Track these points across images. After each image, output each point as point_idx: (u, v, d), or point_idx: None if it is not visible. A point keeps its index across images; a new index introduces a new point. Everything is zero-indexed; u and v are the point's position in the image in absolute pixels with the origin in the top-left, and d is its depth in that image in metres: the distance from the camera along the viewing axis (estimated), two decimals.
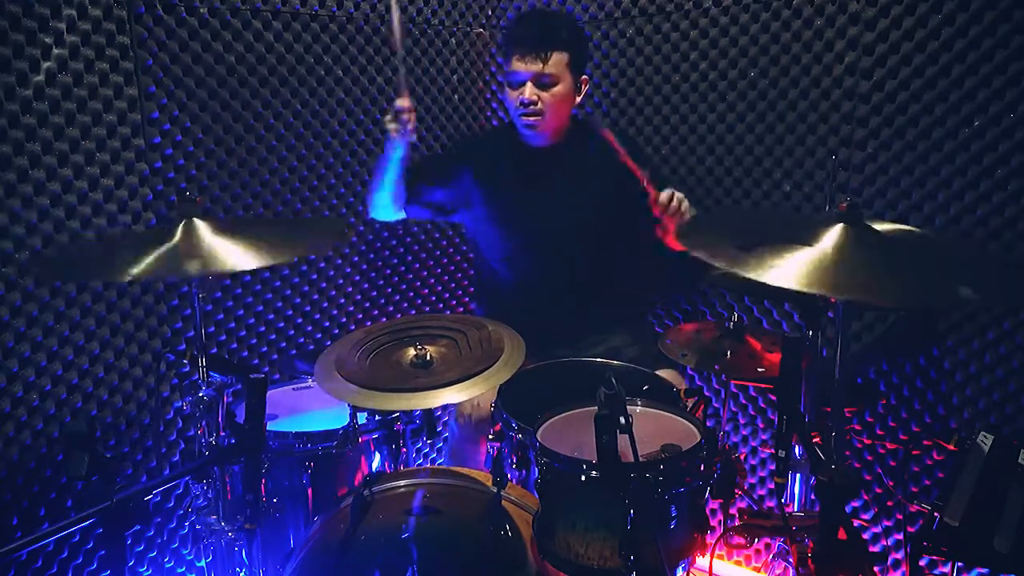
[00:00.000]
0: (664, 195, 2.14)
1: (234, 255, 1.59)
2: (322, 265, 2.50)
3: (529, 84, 2.21)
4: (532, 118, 2.24)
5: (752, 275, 1.42)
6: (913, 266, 1.57)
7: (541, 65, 2.18)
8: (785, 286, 1.38)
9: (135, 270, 1.52)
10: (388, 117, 2.18)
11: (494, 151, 2.44)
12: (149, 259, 1.54)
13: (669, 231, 2.16)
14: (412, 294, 2.77)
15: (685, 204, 2.16)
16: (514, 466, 1.75)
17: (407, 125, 2.16)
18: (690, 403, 1.84)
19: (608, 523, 1.45)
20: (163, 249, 1.58)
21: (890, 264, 1.51)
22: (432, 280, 2.82)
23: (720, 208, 2.52)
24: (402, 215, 2.42)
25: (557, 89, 2.22)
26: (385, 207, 2.38)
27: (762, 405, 2.57)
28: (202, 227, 1.64)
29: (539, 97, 2.21)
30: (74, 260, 1.84)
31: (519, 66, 2.20)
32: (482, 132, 2.84)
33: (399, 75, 2.15)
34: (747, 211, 2.47)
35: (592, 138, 2.41)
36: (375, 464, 1.97)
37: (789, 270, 1.40)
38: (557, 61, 2.20)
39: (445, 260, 2.84)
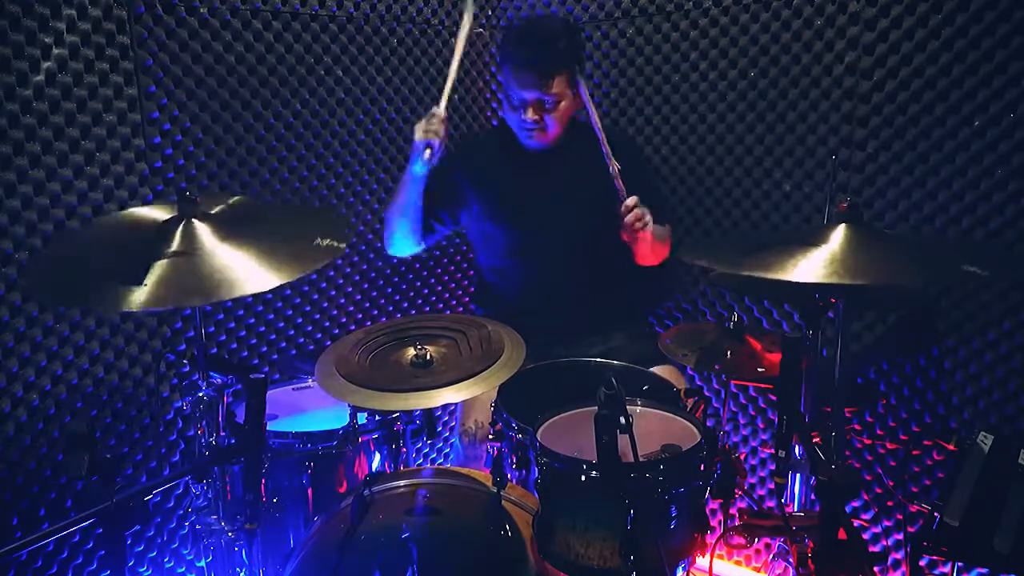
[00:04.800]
0: (631, 200, 2.14)
1: (243, 275, 1.49)
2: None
3: (531, 107, 2.20)
4: (535, 134, 2.25)
5: (762, 274, 1.43)
6: (918, 252, 1.63)
7: (544, 89, 2.17)
8: (798, 280, 1.40)
9: (136, 298, 1.42)
10: (422, 126, 2.13)
11: (491, 152, 2.44)
12: (152, 279, 1.44)
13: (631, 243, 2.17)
14: (412, 294, 2.77)
15: (646, 219, 2.15)
16: (514, 466, 1.75)
17: (440, 137, 2.13)
18: (690, 403, 1.84)
19: (608, 523, 1.45)
20: (164, 264, 1.49)
21: (896, 252, 1.56)
22: (432, 280, 2.82)
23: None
24: (421, 248, 2.43)
25: (561, 106, 2.22)
26: (404, 241, 2.38)
27: (762, 405, 2.57)
28: (203, 231, 1.57)
29: (542, 117, 2.22)
30: (71, 277, 1.63)
31: (520, 90, 2.19)
32: (480, 133, 2.83)
33: (448, 79, 2.14)
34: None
35: (589, 139, 2.41)
36: (375, 464, 1.96)
37: (798, 266, 1.42)
38: (559, 83, 2.18)
39: (445, 260, 2.84)
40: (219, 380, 1.62)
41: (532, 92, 2.18)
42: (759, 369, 2.00)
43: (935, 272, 1.61)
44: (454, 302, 2.90)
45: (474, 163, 2.44)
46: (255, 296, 2.37)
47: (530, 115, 2.20)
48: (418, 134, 2.15)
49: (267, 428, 1.60)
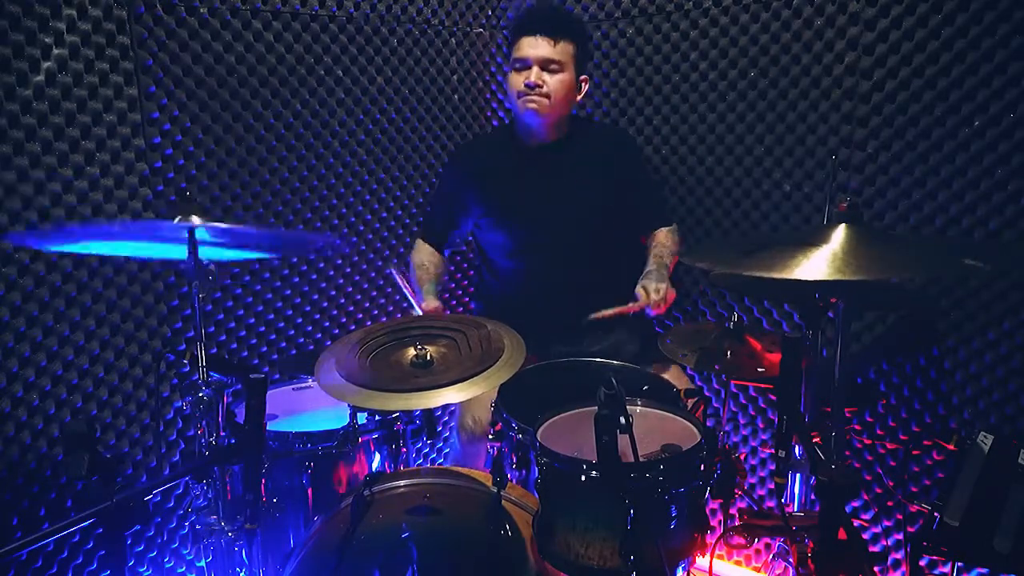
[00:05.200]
0: (643, 299, 2.15)
1: None
2: (321, 265, 2.50)
3: (535, 68, 2.24)
4: (536, 100, 2.25)
5: (763, 274, 1.43)
6: (917, 248, 1.63)
7: (551, 47, 2.23)
8: (800, 277, 1.39)
9: None
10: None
11: (491, 151, 2.44)
12: None
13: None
14: None
15: (661, 292, 2.16)
16: (514, 466, 1.75)
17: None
18: (690, 403, 1.85)
19: (608, 523, 1.45)
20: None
21: (896, 248, 1.55)
22: None
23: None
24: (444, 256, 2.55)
25: (562, 76, 2.26)
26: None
27: (762, 405, 2.57)
28: None
29: (544, 81, 2.24)
30: None
31: (528, 49, 2.24)
32: (480, 134, 2.83)
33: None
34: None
35: (589, 137, 2.42)
36: (375, 464, 1.97)
37: (799, 266, 1.42)
38: (565, 49, 2.25)
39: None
40: (219, 380, 1.62)
41: (539, 49, 2.23)
42: (759, 369, 2.00)
43: (936, 267, 1.61)
44: (454, 302, 2.89)
45: (473, 164, 2.44)
46: (255, 296, 2.37)
47: (534, 76, 2.23)
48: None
49: (267, 428, 1.60)
